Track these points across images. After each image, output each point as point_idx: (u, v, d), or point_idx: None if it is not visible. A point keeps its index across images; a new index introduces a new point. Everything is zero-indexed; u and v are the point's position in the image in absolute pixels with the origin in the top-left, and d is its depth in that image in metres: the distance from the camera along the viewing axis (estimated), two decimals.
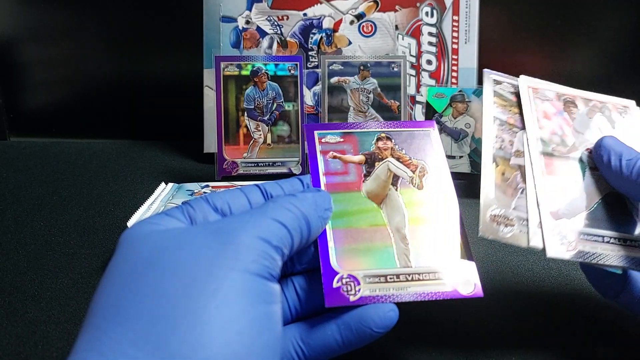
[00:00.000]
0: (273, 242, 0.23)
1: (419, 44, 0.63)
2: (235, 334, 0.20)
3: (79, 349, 0.20)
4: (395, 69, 0.55)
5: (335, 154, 0.31)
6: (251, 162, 0.55)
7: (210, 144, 0.63)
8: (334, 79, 0.55)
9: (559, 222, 0.28)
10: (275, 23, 0.63)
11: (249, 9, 0.62)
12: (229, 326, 0.20)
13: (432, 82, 0.63)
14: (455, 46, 0.63)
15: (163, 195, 0.46)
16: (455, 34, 0.63)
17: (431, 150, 0.31)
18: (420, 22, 0.63)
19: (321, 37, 0.63)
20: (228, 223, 0.24)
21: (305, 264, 0.28)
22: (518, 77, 0.34)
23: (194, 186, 0.49)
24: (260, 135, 0.55)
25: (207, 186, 0.49)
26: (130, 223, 0.40)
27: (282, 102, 0.55)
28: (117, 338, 0.19)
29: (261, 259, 0.22)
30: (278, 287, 0.23)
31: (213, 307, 0.20)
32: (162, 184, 0.49)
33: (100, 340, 0.19)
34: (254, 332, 0.21)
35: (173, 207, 0.25)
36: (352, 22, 0.63)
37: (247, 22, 0.63)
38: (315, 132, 0.32)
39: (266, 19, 0.62)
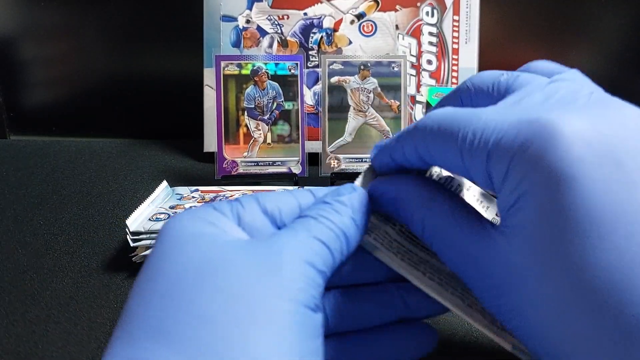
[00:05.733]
0: (318, 265, 0.21)
1: (419, 44, 0.63)
2: None
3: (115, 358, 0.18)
4: (396, 69, 0.55)
5: None
6: (251, 162, 0.55)
7: (210, 143, 0.63)
8: (334, 79, 0.55)
9: None
10: (276, 22, 0.63)
11: (250, 8, 0.62)
12: None
13: (433, 82, 0.63)
14: (455, 46, 0.63)
15: (163, 195, 0.46)
16: (455, 34, 0.63)
17: None
18: (420, 22, 0.63)
19: (321, 37, 0.63)
20: (276, 241, 0.21)
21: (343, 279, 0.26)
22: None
23: (184, 190, 0.49)
24: (260, 134, 0.55)
25: (197, 190, 0.49)
26: (129, 222, 0.40)
27: (282, 101, 0.55)
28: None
29: (309, 287, 0.20)
30: (322, 318, 0.21)
31: (264, 341, 0.18)
32: (165, 182, 0.48)
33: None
34: None
35: (222, 202, 0.24)
36: (352, 22, 0.63)
37: (248, 22, 0.63)
38: None
39: (266, 18, 0.62)
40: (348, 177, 0.54)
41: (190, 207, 0.44)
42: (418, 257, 0.26)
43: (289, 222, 0.24)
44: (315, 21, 0.63)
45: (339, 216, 0.23)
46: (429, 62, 0.63)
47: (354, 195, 0.24)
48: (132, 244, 0.39)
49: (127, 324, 0.19)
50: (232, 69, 0.55)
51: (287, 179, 0.55)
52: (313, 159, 0.58)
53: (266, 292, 0.19)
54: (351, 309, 0.26)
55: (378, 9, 0.63)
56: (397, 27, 0.63)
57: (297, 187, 0.53)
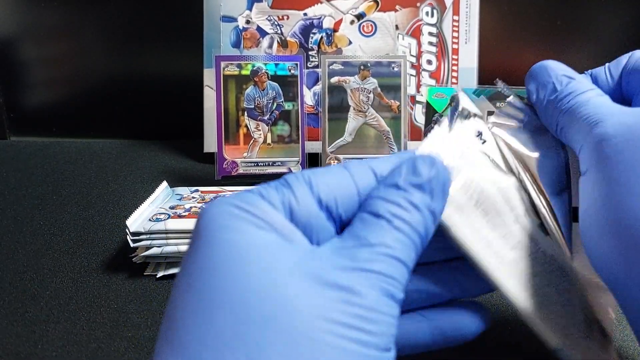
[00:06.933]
0: (397, 295, 0.18)
1: (419, 44, 0.63)
2: None
3: None
4: (396, 69, 0.55)
5: None
6: (251, 162, 0.55)
7: (210, 144, 0.63)
8: (334, 79, 0.55)
9: None
10: (276, 23, 0.63)
11: (249, 8, 0.62)
12: None
13: (433, 82, 0.63)
14: (455, 46, 0.63)
15: (163, 195, 0.46)
16: (455, 34, 0.63)
17: None
18: (420, 22, 0.63)
19: (321, 37, 0.63)
20: (354, 267, 0.18)
21: None
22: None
23: (184, 190, 0.48)
24: (260, 135, 0.55)
25: (197, 191, 0.49)
26: (129, 222, 0.39)
27: (282, 101, 0.55)
28: None
29: (390, 327, 0.18)
30: (394, 356, 0.19)
31: None
32: (165, 183, 0.48)
33: None
34: None
35: (270, 187, 0.20)
36: (352, 22, 0.63)
37: (248, 22, 0.63)
38: None
39: (266, 18, 0.62)
40: None
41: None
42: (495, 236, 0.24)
43: (348, 213, 0.20)
44: (315, 21, 0.63)
45: (418, 214, 0.19)
46: (429, 62, 0.63)
47: (433, 175, 0.20)
48: (132, 245, 0.39)
49: (183, 337, 0.17)
50: (232, 70, 0.55)
51: None
52: (313, 159, 0.58)
53: (346, 337, 0.17)
54: (410, 287, 0.23)
55: (378, 9, 0.63)
56: (397, 27, 0.63)
57: None
